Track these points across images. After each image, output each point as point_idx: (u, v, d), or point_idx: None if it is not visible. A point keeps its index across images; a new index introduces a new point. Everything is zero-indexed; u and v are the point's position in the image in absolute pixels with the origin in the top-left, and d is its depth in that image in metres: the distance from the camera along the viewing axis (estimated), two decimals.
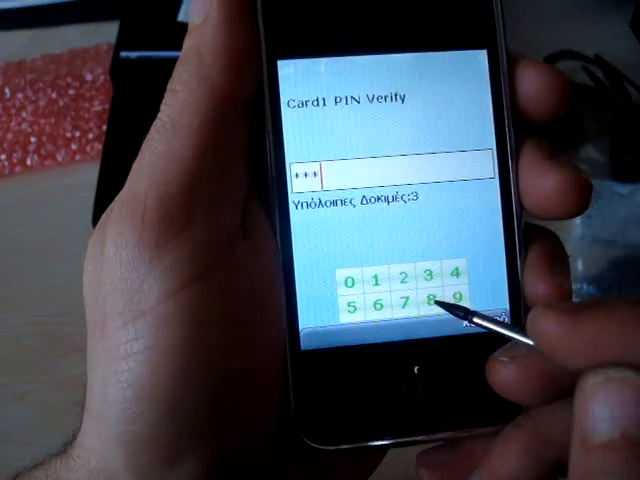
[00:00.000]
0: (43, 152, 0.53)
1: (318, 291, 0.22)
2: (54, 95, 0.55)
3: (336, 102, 0.22)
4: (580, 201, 0.22)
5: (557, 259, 0.23)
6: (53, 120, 0.54)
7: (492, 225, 0.23)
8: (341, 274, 0.22)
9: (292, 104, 0.22)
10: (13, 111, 0.55)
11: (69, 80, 0.56)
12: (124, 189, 0.21)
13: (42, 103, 0.55)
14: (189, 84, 0.20)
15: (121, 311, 0.20)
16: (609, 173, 0.50)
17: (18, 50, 0.58)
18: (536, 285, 0.22)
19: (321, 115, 0.22)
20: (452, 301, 0.23)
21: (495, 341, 0.22)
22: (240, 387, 0.20)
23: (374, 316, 0.22)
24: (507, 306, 0.23)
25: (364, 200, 0.22)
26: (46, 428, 0.42)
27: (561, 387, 0.19)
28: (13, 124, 0.54)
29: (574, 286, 0.42)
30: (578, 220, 0.46)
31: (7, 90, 0.56)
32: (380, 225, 0.23)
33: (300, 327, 0.22)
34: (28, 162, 0.53)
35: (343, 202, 0.22)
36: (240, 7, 0.21)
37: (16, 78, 0.56)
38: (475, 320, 0.21)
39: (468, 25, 0.23)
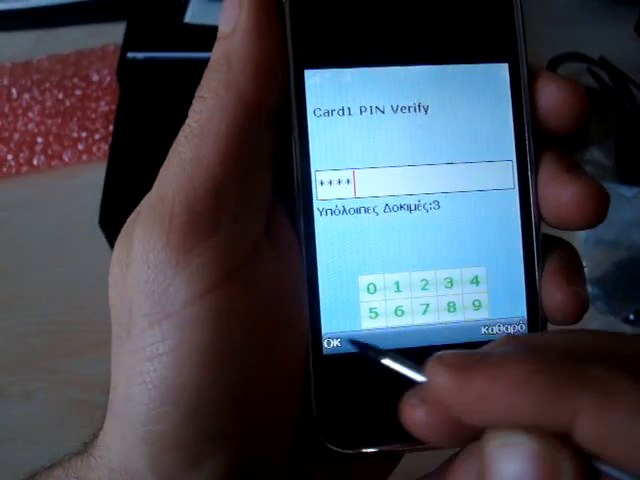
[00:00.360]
0: (50, 152, 0.53)
1: (341, 297, 0.23)
2: (61, 95, 0.56)
3: (361, 112, 0.23)
4: (597, 212, 0.22)
5: (574, 269, 0.23)
6: (60, 120, 0.54)
7: (511, 235, 0.23)
8: (363, 280, 0.23)
9: (318, 113, 0.23)
10: (20, 111, 0.55)
11: (76, 81, 0.56)
12: (151, 192, 0.21)
13: (49, 103, 0.55)
14: (217, 91, 0.21)
15: (147, 313, 0.20)
16: (614, 175, 0.50)
17: (25, 51, 0.59)
18: (554, 294, 0.23)
19: (346, 124, 0.23)
20: (472, 309, 0.23)
21: None
22: (263, 390, 0.21)
23: (395, 322, 0.23)
24: (525, 314, 0.23)
25: (387, 208, 0.23)
26: (51, 427, 0.42)
27: (473, 432, 0.17)
28: (20, 124, 0.54)
29: None
30: None
31: (14, 90, 0.56)
32: (402, 233, 0.23)
33: (323, 332, 0.23)
34: (35, 162, 0.53)
35: (367, 210, 0.23)
36: (269, 16, 0.21)
37: (23, 78, 0.57)
38: (384, 361, 0.20)
39: (490, 39, 0.23)
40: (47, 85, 0.56)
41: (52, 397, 0.44)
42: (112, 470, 0.21)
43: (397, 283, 0.23)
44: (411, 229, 0.23)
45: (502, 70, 0.23)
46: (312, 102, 0.23)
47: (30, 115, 0.55)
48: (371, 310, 0.23)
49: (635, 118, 0.50)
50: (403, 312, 0.23)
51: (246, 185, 0.21)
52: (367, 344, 0.21)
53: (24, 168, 0.53)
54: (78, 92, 0.55)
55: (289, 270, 0.22)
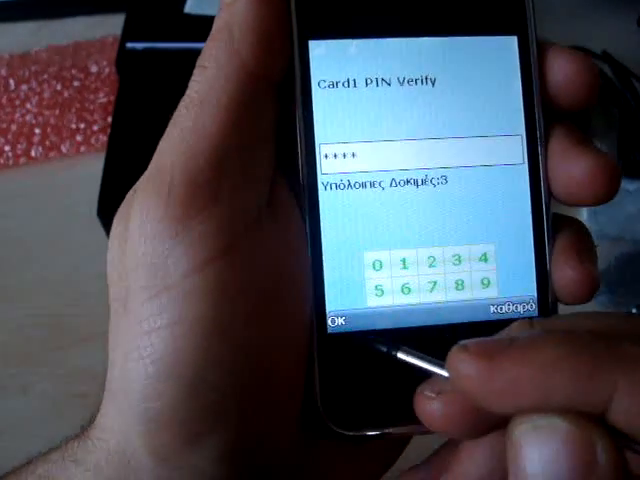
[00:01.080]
0: (47, 143, 0.53)
1: (346, 274, 0.22)
2: (59, 87, 0.55)
3: (367, 84, 0.22)
4: (609, 186, 0.22)
5: (585, 247, 0.22)
6: (58, 112, 0.54)
7: (521, 211, 0.23)
8: (369, 257, 0.22)
9: (323, 84, 0.22)
10: (18, 102, 0.55)
11: (74, 72, 0.56)
12: (151, 164, 0.20)
13: (47, 95, 0.55)
14: (218, 60, 0.20)
15: (144, 285, 0.19)
16: None
17: (23, 42, 0.58)
18: (564, 272, 0.22)
19: (352, 96, 0.22)
20: (480, 287, 0.23)
21: None
22: (264, 367, 0.20)
23: (402, 300, 0.22)
24: (535, 293, 0.23)
25: (393, 183, 0.22)
26: (49, 420, 0.42)
27: (491, 422, 0.18)
28: (17, 115, 0.54)
29: None
30: (585, 216, 0.46)
31: (12, 81, 0.56)
32: (409, 208, 0.22)
33: (327, 310, 0.22)
34: (32, 153, 0.52)
35: (372, 184, 0.22)
36: None
37: (21, 69, 0.56)
38: (399, 356, 0.20)
39: (499, 11, 0.23)
40: (45, 76, 0.56)
41: (51, 390, 0.44)
42: (109, 452, 0.20)
43: (404, 260, 0.22)
44: (418, 204, 0.22)
45: (511, 43, 0.23)
46: (316, 73, 0.22)
47: (28, 106, 0.55)
48: (377, 287, 0.22)
49: (638, 112, 0.50)
50: (410, 290, 0.22)
51: (247, 156, 0.20)
52: (378, 339, 0.21)
53: (22, 159, 0.52)
54: (76, 83, 0.55)
55: (291, 244, 0.21)
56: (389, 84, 0.22)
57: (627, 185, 0.48)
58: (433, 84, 0.23)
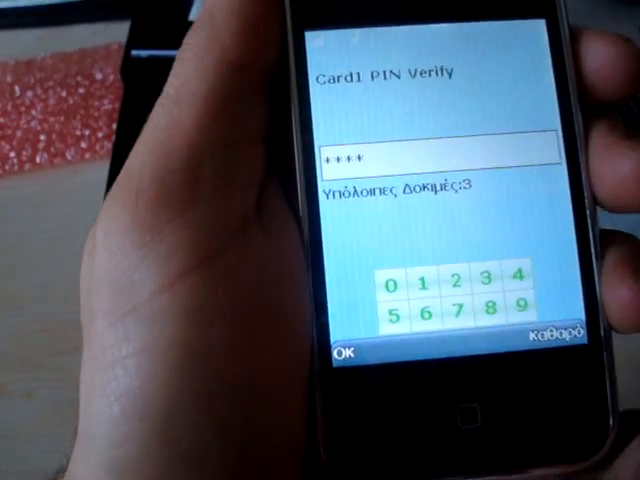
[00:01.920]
0: (52, 150, 0.53)
1: (354, 296, 0.19)
2: (64, 93, 0.56)
3: (373, 77, 0.19)
4: None
5: None
6: (63, 118, 0.54)
7: (560, 218, 0.19)
8: (381, 276, 0.19)
9: (322, 79, 0.19)
10: (23, 109, 0.55)
11: (79, 79, 0.56)
12: (122, 169, 0.18)
13: (52, 101, 0.55)
14: (197, 50, 0.18)
15: (108, 307, 0.16)
16: None
17: (28, 49, 0.59)
18: (618, 292, 0.18)
19: (356, 92, 0.19)
20: (516, 310, 0.19)
21: (570, 358, 0.18)
22: (251, 406, 0.16)
23: (421, 327, 0.19)
24: (583, 317, 0.19)
25: (407, 189, 0.19)
26: (53, 426, 0.41)
27: None
28: (23, 122, 0.55)
29: None
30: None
31: (17, 88, 0.56)
32: (427, 218, 0.19)
33: (332, 339, 0.18)
34: (37, 160, 0.53)
35: (383, 191, 0.19)
36: None
37: (26, 76, 0.57)
38: None
39: None
40: (50, 83, 0.57)
41: (54, 395, 0.43)
42: None
43: (422, 279, 0.19)
44: (437, 213, 0.19)
45: (539, 26, 0.20)
46: (315, 67, 0.19)
47: (33, 113, 0.55)
48: (391, 312, 0.19)
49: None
50: (431, 314, 0.19)
51: (231, 157, 0.17)
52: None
53: (27, 166, 0.53)
54: (81, 90, 0.55)
55: (286, 260, 0.18)
56: (399, 77, 0.19)
57: None
58: (450, 75, 0.20)
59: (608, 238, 0.20)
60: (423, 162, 0.19)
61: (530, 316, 0.19)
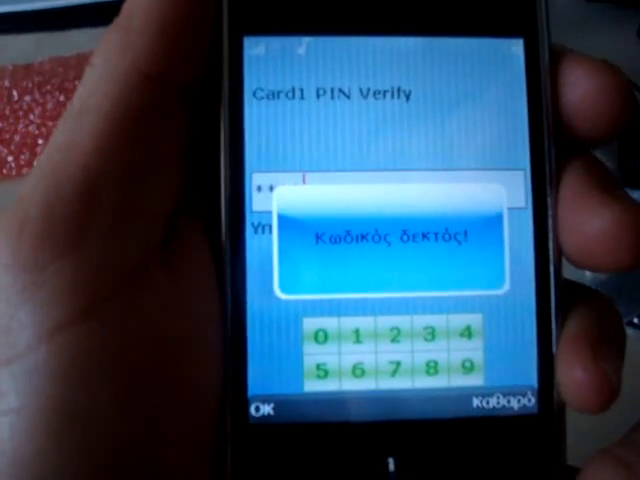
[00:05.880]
0: None
1: (277, 346, 0.16)
2: (62, 98, 0.55)
3: (318, 95, 0.17)
4: (636, 250, 0.16)
5: (607, 335, 0.16)
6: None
7: (520, 272, 0.17)
8: (310, 325, 0.17)
9: (260, 94, 0.17)
10: (21, 113, 0.55)
11: (77, 83, 0.55)
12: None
13: (50, 106, 0.55)
14: (109, 54, 0.15)
15: None
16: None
17: (26, 53, 0.58)
18: (571, 369, 0.16)
19: (298, 111, 0.17)
20: (460, 372, 0.17)
21: (517, 428, 0.16)
22: (140, 476, 0.14)
23: (352, 385, 0.17)
24: (535, 384, 0.17)
25: (348, 236, 0.17)
26: None
27: None
28: (21, 126, 0.54)
29: None
30: None
31: (15, 92, 0.56)
32: (365, 262, 0.17)
33: (249, 393, 0.16)
34: (35, 164, 0.51)
35: (319, 230, 0.17)
36: None
37: (24, 81, 0.57)
38: None
39: (501, 6, 0.17)
40: (48, 87, 0.56)
41: None
42: None
43: (357, 331, 0.17)
44: (377, 258, 0.17)
45: (515, 47, 0.17)
46: (252, 79, 0.17)
47: (31, 117, 0.55)
48: (319, 367, 0.17)
49: (638, 122, 0.48)
50: (364, 372, 0.17)
51: (136, 184, 0.15)
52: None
53: (25, 170, 0.52)
54: None
55: (194, 303, 0.16)
56: (348, 96, 0.17)
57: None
58: (407, 98, 0.17)
59: (574, 296, 0.17)
60: (367, 200, 0.17)
61: (476, 379, 0.17)
